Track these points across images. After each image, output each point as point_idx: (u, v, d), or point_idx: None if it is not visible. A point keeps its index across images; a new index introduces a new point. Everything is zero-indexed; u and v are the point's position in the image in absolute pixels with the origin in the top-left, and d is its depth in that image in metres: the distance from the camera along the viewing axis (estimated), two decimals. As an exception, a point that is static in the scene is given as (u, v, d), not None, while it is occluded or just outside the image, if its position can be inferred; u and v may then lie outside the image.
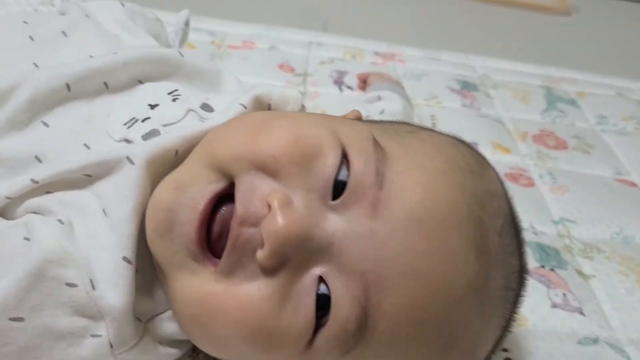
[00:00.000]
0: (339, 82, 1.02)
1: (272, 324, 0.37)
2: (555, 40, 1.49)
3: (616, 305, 0.63)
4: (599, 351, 0.57)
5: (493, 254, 0.40)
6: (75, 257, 0.40)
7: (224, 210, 0.40)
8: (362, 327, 0.36)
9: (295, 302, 0.37)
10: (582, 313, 0.61)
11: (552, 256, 0.68)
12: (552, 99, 1.08)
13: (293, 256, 0.37)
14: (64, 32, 0.56)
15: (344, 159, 0.39)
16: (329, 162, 0.39)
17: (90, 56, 0.53)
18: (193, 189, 0.40)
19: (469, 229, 0.38)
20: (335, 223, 0.38)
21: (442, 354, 0.39)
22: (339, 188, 0.39)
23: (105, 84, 0.50)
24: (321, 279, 0.38)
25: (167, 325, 0.44)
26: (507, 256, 0.42)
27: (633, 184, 0.86)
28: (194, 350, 0.50)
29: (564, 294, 0.63)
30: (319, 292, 0.37)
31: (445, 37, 1.39)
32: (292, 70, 1.04)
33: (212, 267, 0.39)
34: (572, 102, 1.08)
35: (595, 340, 0.58)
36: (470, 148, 0.47)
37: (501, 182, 0.46)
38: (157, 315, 0.44)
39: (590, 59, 1.37)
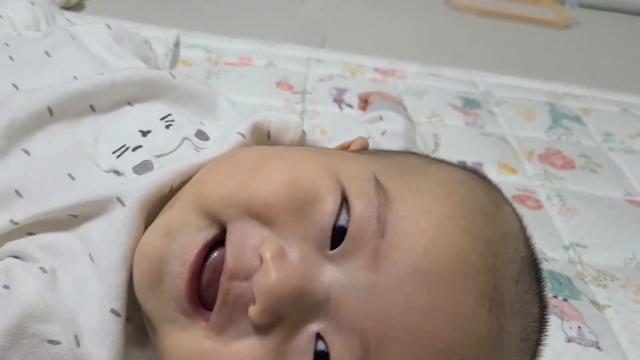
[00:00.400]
0: (338, 100, 1.00)
1: None
2: (556, 54, 1.47)
3: (633, 338, 0.60)
4: (619, 389, 0.54)
5: (508, 305, 0.36)
6: (59, 310, 0.36)
7: (215, 255, 0.36)
8: None
9: None
10: (598, 347, 0.58)
11: (564, 285, 0.65)
12: (557, 115, 1.06)
13: (288, 312, 0.34)
14: (46, 52, 0.53)
15: (345, 202, 0.36)
16: (327, 208, 0.36)
17: (75, 77, 0.51)
18: (183, 236, 0.36)
19: (480, 280, 0.35)
20: (332, 276, 0.34)
21: None
22: (338, 234, 0.35)
23: (92, 106, 0.47)
24: (319, 336, 0.34)
25: None
26: (525, 305, 0.39)
27: (644, 206, 0.83)
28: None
29: (579, 327, 0.60)
30: (317, 349, 0.34)
31: (446, 52, 1.36)
32: (290, 87, 1.02)
33: (203, 322, 0.35)
34: (577, 119, 1.06)
35: (614, 378, 0.55)
36: (483, 181, 0.44)
37: (519, 219, 0.43)
38: None
39: (592, 73, 1.35)
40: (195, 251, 0.36)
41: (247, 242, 0.35)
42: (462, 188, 0.39)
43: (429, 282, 0.34)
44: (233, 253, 0.35)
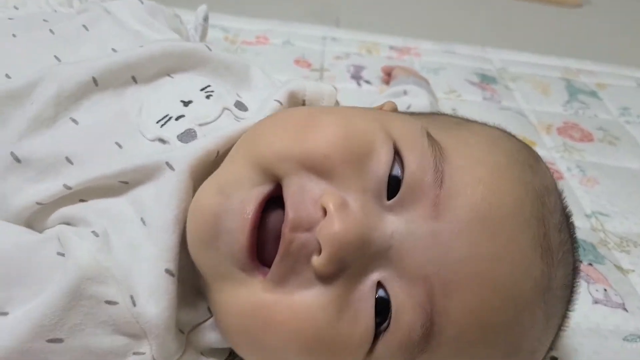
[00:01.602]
0: (356, 77, 1.00)
1: (329, 334, 0.35)
2: (569, 32, 1.47)
3: (658, 301, 0.61)
4: (646, 348, 0.55)
5: (555, 252, 0.38)
6: (114, 272, 0.38)
7: (271, 213, 0.37)
8: (427, 335, 0.34)
9: (353, 311, 0.35)
10: (625, 309, 0.59)
11: (588, 251, 0.66)
12: (573, 90, 1.06)
13: (351, 261, 0.35)
14: (84, 26, 0.54)
15: (397, 155, 0.37)
16: (382, 159, 0.37)
17: (113, 49, 0.52)
18: (238, 193, 0.37)
19: (533, 228, 0.36)
20: (393, 224, 0.35)
21: (507, 358, 0.37)
22: (393, 185, 0.36)
23: (134, 77, 0.48)
24: (379, 285, 0.35)
25: (209, 335, 0.42)
26: (566, 253, 0.40)
27: (662, 176, 0.84)
28: (231, 354, 0.48)
29: (605, 290, 0.61)
30: (378, 296, 0.35)
31: (459, 30, 1.37)
32: (308, 65, 1.02)
33: (260, 276, 0.36)
34: (593, 94, 1.06)
35: (641, 337, 0.56)
36: (519, 140, 0.45)
37: (551, 175, 0.45)
38: (199, 324, 0.42)
39: (604, 50, 1.35)
40: (254, 206, 0.36)
41: (306, 195, 0.36)
42: (507, 142, 0.41)
43: (488, 228, 0.35)
44: (293, 205, 0.35)
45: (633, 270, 0.65)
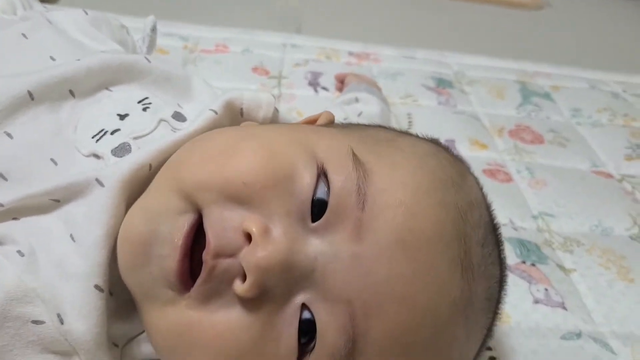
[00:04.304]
0: (313, 84, 1.02)
1: (253, 355, 0.35)
2: (528, 35, 1.50)
3: (598, 299, 0.63)
4: (583, 345, 0.57)
5: (476, 268, 0.39)
6: (40, 291, 0.38)
7: (201, 235, 0.37)
8: (350, 355, 0.35)
9: (277, 331, 0.36)
10: (564, 308, 0.61)
11: (532, 251, 0.68)
12: (527, 93, 1.09)
13: (275, 286, 0.35)
14: (23, 35, 0.54)
15: (324, 176, 0.37)
16: (305, 182, 0.37)
17: (52, 57, 0.51)
18: (166, 221, 0.37)
19: (453, 247, 0.37)
20: (317, 248, 0.36)
21: None
22: (317, 207, 0.37)
23: (71, 91, 0.48)
24: (304, 307, 0.36)
25: (145, 347, 0.42)
26: (489, 267, 0.41)
27: (609, 175, 0.86)
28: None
29: (546, 289, 0.63)
30: (303, 317, 0.36)
31: (420, 35, 1.38)
32: (266, 72, 1.03)
33: (188, 292, 0.37)
34: (547, 96, 1.09)
35: (579, 335, 0.58)
36: (449, 154, 0.46)
37: (480, 187, 0.46)
38: (135, 337, 0.42)
39: (563, 53, 1.38)
40: (183, 236, 0.37)
41: (226, 223, 0.36)
42: (432, 160, 0.41)
43: (408, 251, 0.35)
44: (214, 234, 0.36)
45: (575, 270, 0.67)
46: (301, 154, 0.38)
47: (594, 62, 1.29)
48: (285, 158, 0.38)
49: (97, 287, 0.39)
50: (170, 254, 0.37)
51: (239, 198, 0.36)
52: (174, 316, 0.37)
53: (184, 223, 0.37)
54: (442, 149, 0.46)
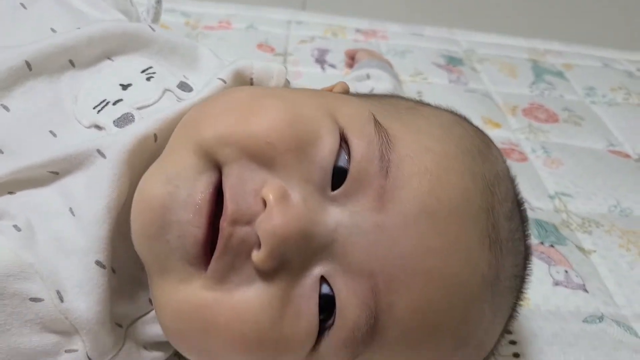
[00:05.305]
0: (320, 61, 0.99)
1: (272, 334, 0.33)
2: (538, 12, 1.47)
3: (619, 281, 0.61)
4: (606, 329, 0.55)
5: (504, 243, 0.37)
6: (38, 267, 0.35)
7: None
8: (371, 332, 0.33)
9: (296, 307, 0.34)
10: (585, 290, 0.59)
11: (550, 232, 0.66)
12: (539, 71, 1.06)
13: (293, 256, 0.33)
14: (22, 4, 0.51)
15: (344, 143, 0.35)
16: (327, 148, 0.35)
17: (52, 29, 0.49)
18: (186, 182, 0.35)
19: (481, 220, 0.35)
20: (337, 217, 0.34)
21: (455, 352, 0.36)
22: (338, 176, 0.35)
23: (71, 61, 0.45)
24: (323, 279, 0.34)
25: (151, 328, 0.40)
26: (516, 242, 0.39)
27: (627, 155, 0.84)
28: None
29: (566, 271, 0.61)
30: (322, 292, 0.34)
31: (428, 11, 1.35)
32: (272, 49, 1.00)
33: (204, 271, 0.34)
34: (560, 74, 1.06)
35: (601, 318, 0.56)
36: (472, 125, 0.44)
37: (504, 160, 0.43)
38: (140, 317, 0.40)
39: (573, 30, 1.34)
40: (207, 198, 0.34)
41: (246, 185, 0.34)
42: (458, 129, 0.39)
43: (436, 222, 0.33)
44: (233, 197, 0.34)
45: (595, 251, 0.64)
46: (325, 119, 0.36)
47: (605, 39, 1.25)
48: (309, 122, 0.36)
49: (98, 263, 0.37)
50: (191, 220, 0.34)
51: (262, 158, 0.34)
52: (187, 296, 0.35)
53: (206, 183, 0.35)
54: (465, 120, 0.44)
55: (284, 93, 0.41)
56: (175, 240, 0.34)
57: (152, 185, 0.36)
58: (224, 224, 0.33)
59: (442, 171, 0.35)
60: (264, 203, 0.33)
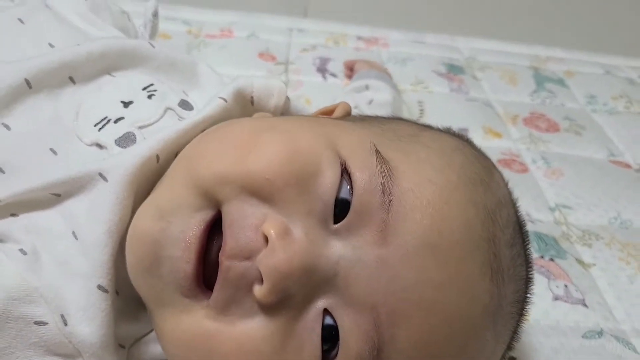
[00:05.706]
0: (322, 70, 0.99)
1: None
2: (540, 18, 1.46)
3: (619, 295, 0.61)
4: (605, 345, 0.55)
5: (506, 271, 0.37)
6: (43, 291, 0.36)
7: (216, 238, 0.35)
8: None
9: (299, 340, 0.34)
10: (585, 305, 0.59)
11: (550, 245, 0.66)
12: (541, 79, 1.06)
13: (295, 290, 0.33)
14: (20, 20, 0.51)
15: (346, 174, 0.35)
16: (328, 181, 0.35)
17: (50, 44, 0.49)
18: (179, 219, 0.35)
19: (483, 250, 0.35)
20: (339, 251, 0.34)
21: None
22: (339, 207, 0.35)
23: (71, 78, 0.46)
24: (326, 312, 0.34)
25: (153, 347, 0.40)
26: (517, 268, 0.39)
27: (627, 165, 0.84)
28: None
29: (565, 285, 0.61)
30: (325, 323, 0.34)
31: (429, 18, 1.35)
32: (273, 58, 1.00)
33: (206, 301, 0.35)
34: (561, 82, 1.06)
35: (600, 333, 0.56)
36: (474, 148, 0.44)
37: (505, 183, 0.44)
38: (142, 337, 0.41)
39: (575, 37, 1.34)
40: (197, 235, 0.35)
41: (246, 221, 0.34)
42: (459, 157, 0.39)
43: (438, 255, 0.33)
44: (232, 233, 0.34)
45: (594, 264, 0.65)
46: (324, 151, 0.36)
47: (608, 46, 1.25)
48: (309, 154, 0.36)
49: (100, 287, 0.37)
50: (182, 256, 0.34)
51: (262, 194, 0.34)
52: (190, 325, 0.35)
53: (199, 221, 0.35)
54: (466, 143, 0.44)
55: (282, 125, 0.40)
56: (168, 274, 0.35)
57: (146, 221, 0.37)
58: (222, 257, 0.34)
59: (443, 204, 0.35)
60: (265, 239, 0.33)
